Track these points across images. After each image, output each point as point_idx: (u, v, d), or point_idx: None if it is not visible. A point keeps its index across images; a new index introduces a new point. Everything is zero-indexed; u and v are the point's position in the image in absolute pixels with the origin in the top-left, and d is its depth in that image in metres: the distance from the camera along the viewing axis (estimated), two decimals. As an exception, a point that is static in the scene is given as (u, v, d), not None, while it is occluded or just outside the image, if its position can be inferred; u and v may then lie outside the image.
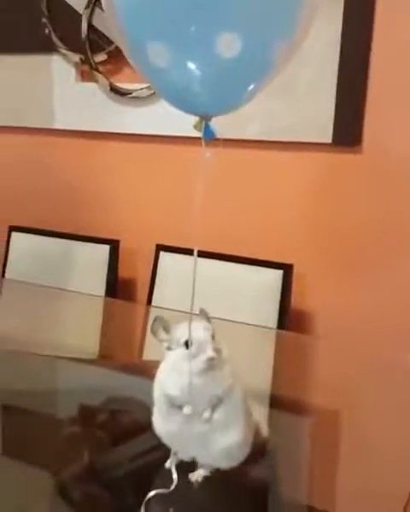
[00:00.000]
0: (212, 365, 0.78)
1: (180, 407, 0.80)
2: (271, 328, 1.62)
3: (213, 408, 0.80)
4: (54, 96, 2.05)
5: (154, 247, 1.84)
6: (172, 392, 0.80)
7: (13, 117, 2.12)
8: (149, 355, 1.45)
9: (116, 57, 1.90)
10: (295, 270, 1.68)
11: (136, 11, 0.70)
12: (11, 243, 2.05)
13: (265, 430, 0.93)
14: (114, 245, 1.90)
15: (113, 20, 0.74)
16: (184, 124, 1.80)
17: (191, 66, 0.72)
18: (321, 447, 1.04)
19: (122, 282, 1.98)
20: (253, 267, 1.70)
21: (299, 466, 0.97)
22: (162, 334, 0.81)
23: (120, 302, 1.85)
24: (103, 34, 1.91)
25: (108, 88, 1.93)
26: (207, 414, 0.79)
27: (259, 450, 0.89)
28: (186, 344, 0.78)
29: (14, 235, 2.05)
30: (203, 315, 0.83)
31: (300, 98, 1.70)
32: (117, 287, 1.93)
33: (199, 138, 1.96)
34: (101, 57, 1.93)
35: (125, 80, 1.92)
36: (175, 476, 0.81)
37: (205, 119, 0.78)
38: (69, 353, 1.42)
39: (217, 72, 0.73)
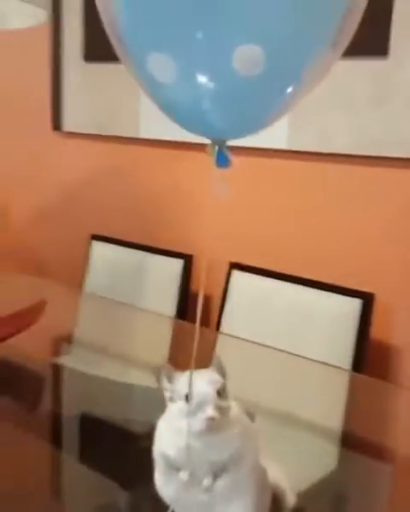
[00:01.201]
0: (212, 426, 0.66)
1: (178, 470, 0.69)
2: (345, 370, 1.46)
3: (216, 475, 0.69)
4: (141, 104, 2.01)
5: (227, 265, 1.75)
6: (169, 452, 0.69)
7: (99, 125, 2.11)
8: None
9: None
10: (379, 300, 1.50)
11: (137, 16, 0.60)
12: (91, 252, 2.04)
13: (291, 499, 0.80)
14: (188, 259, 1.83)
15: (109, 25, 0.64)
16: (272, 136, 1.72)
17: (201, 83, 0.61)
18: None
19: (195, 298, 1.89)
20: (328, 293, 1.55)
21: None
22: (165, 383, 0.71)
23: (188, 325, 1.76)
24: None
25: (192, 96, 1.86)
26: (207, 482, 0.68)
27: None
28: (187, 398, 0.68)
29: (95, 243, 2.05)
30: (217, 366, 0.71)
31: (394, 111, 1.52)
32: (189, 301, 1.85)
33: (288, 151, 1.84)
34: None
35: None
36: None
37: (218, 144, 0.66)
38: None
39: (233, 91, 0.61)
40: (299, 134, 1.70)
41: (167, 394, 0.71)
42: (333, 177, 1.68)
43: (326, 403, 1.29)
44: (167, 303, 1.84)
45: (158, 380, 0.71)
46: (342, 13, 0.60)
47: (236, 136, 0.67)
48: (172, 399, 0.70)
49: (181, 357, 1.46)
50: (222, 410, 0.67)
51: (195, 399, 0.67)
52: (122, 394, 1.26)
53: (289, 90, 0.63)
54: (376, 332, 1.55)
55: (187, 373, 0.69)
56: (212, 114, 0.64)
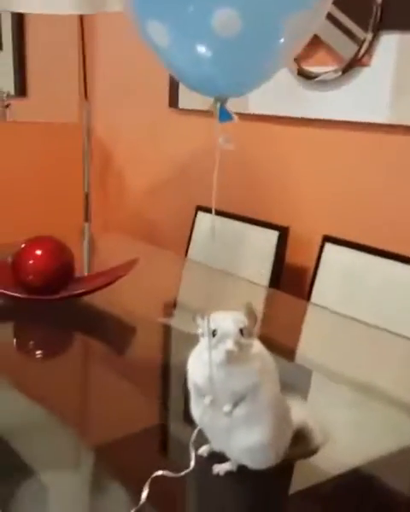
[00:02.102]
0: (231, 358, 0.75)
1: (205, 396, 0.79)
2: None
3: (235, 403, 0.77)
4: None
5: (321, 238, 1.78)
6: (197, 380, 0.79)
7: (209, 103, 2.21)
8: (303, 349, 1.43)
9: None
10: None
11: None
12: (196, 222, 2.17)
13: (319, 437, 0.86)
14: (284, 231, 1.89)
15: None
16: (368, 109, 1.72)
17: (190, 46, 0.68)
18: None
19: (289, 269, 1.95)
20: (416, 268, 1.54)
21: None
22: (198, 321, 0.80)
23: (281, 294, 1.83)
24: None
25: (296, 71, 1.90)
26: (227, 408, 0.77)
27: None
28: (214, 333, 0.77)
29: (200, 214, 2.17)
30: (246, 309, 0.79)
31: None
32: (282, 273, 1.91)
33: (385, 125, 1.83)
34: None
35: (314, 63, 1.86)
36: (192, 463, 0.80)
37: (220, 100, 0.73)
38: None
39: (218, 52, 0.68)
40: (402, 108, 1.68)
41: (200, 330, 0.80)
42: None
43: (406, 376, 1.30)
44: (263, 273, 1.92)
45: (194, 318, 0.81)
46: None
47: (236, 93, 0.74)
48: (202, 334, 0.80)
49: (271, 322, 1.54)
50: (242, 346, 0.75)
51: (218, 334, 0.76)
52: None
53: (273, 43, 0.68)
54: None
55: (216, 313, 0.78)
56: (207, 73, 0.71)
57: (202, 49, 0.69)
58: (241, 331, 0.76)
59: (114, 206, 2.75)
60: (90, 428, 1.01)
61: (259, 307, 1.73)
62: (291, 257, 1.94)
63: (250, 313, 0.79)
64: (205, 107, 2.41)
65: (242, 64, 0.72)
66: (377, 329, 1.44)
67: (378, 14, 1.68)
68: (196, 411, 0.82)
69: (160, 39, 0.70)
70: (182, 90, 2.35)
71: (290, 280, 1.95)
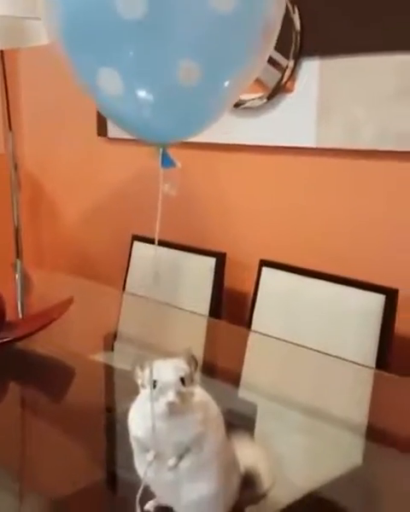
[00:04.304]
0: (173, 410, 0.72)
1: (148, 450, 0.75)
2: (370, 368, 1.46)
3: (180, 456, 0.74)
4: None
5: (258, 262, 1.78)
6: (138, 434, 0.75)
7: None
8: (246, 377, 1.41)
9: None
10: (404, 295, 1.50)
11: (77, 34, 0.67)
12: (133, 252, 2.13)
13: (266, 481, 0.84)
14: (221, 257, 1.89)
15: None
16: (295, 134, 1.75)
17: (144, 94, 0.67)
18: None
19: (229, 294, 1.94)
20: (353, 289, 1.56)
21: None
22: (138, 372, 0.77)
23: (221, 323, 1.81)
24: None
25: (222, 99, 1.91)
26: (171, 461, 0.74)
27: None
28: (154, 385, 0.73)
29: (137, 244, 2.13)
30: (185, 355, 0.77)
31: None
32: (222, 299, 1.90)
33: (312, 149, 1.86)
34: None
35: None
36: (140, 520, 0.76)
37: (162, 146, 0.72)
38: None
39: (176, 101, 0.67)
40: (327, 132, 1.71)
41: (139, 381, 0.77)
42: (360, 174, 1.69)
43: (352, 399, 1.31)
44: (203, 299, 1.90)
45: (132, 368, 0.78)
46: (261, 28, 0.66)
47: (178, 139, 0.73)
48: (142, 386, 0.76)
49: (214, 352, 1.52)
50: (184, 396, 0.73)
51: (158, 385, 0.73)
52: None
53: (224, 96, 0.68)
54: (401, 328, 1.55)
55: (156, 362, 0.75)
56: (155, 121, 0.70)
57: (157, 97, 0.67)
58: (182, 380, 0.73)
59: (48, 240, 2.68)
60: (32, 485, 0.96)
61: (200, 339, 1.71)
62: (230, 282, 1.93)
63: (190, 359, 0.77)
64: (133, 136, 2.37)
65: (193, 112, 0.71)
66: (315, 352, 1.45)
67: (298, 41, 1.72)
68: (139, 467, 0.78)
69: (111, 87, 0.68)
70: (109, 119, 2.33)
71: (231, 305, 1.95)
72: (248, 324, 1.75)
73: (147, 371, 0.75)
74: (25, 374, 1.34)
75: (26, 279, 2.13)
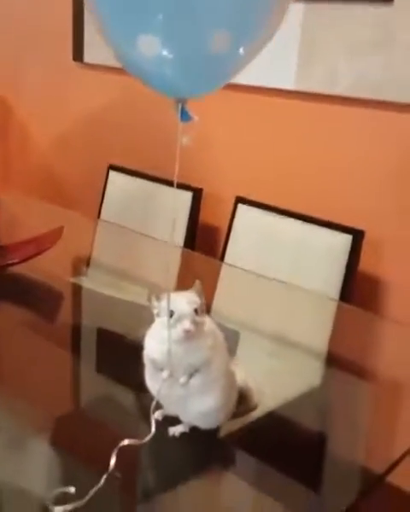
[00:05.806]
0: (188, 336, 0.83)
1: (162, 369, 0.87)
2: (334, 299, 1.61)
3: (190, 375, 0.86)
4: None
5: (234, 199, 1.87)
6: (154, 356, 0.87)
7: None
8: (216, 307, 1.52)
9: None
10: (370, 237, 1.63)
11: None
12: (109, 182, 2.17)
13: (256, 397, 0.98)
14: (197, 192, 1.96)
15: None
16: (274, 75, 1.79)
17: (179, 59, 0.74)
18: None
19: (203, 228, 2.03)
20: (323, 229, 1.68)
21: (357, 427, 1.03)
22: (154, 302, 0.87)
23: (196, 254, 1.90)
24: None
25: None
26: (183, 379, 0.86)
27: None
28: (171, 314, 0.84)
29: (112, 173, 2.17)
30: (196, 289, 0.87)
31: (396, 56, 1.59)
32: (196, 233, 1.99)
33: (290, 91, 1.90)
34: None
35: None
36: (153, 429, 0.89)
37: (181, 101, 0.79)
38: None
39: (205, 66, 0.74)
40: (306, 75, 1.77)
41: (155, 310, 0.87)
42: (336, 119, 1.77)
43: (315, 327, 1.45)
44: (177, 232, 1.98)
45: (148, 299, 0.87)
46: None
47: (197, 95, 0.80)
48: (158, 315, 0.87)
49: (187, 282, 1.62)
50: (197, 324, 0.84)
51: (175, 315, 0.83)
52: (127, 311, 1.44)
53: (246, 60, 0.76)
54: (366, 267, 1.69)
55: (171, 294, 0.85)
56: (180, 81, 0.77)
57: (189, 62, 0.74)
58: (195, 311, 0.84)
59: (18, 166, 2.66)
60: (36, 402, 1.05)
61: (173, 268, 1.81)
62: (206, 217, 2.02)
63: (199, 292, 0.87)
64: (113, 64, 2.37)
65: (217, 74, 0.77)
66: (283, 284, 1.57)
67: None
68: (151, 383, 0.90)
69: (150, 50, 0.73)
70: (87, 43, 2.28)
71: (205, 239, 2.04)
72: (222, 258, 1.86)
73: (163, 302, 0.85)
74: (15, 296, 1.41)
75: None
